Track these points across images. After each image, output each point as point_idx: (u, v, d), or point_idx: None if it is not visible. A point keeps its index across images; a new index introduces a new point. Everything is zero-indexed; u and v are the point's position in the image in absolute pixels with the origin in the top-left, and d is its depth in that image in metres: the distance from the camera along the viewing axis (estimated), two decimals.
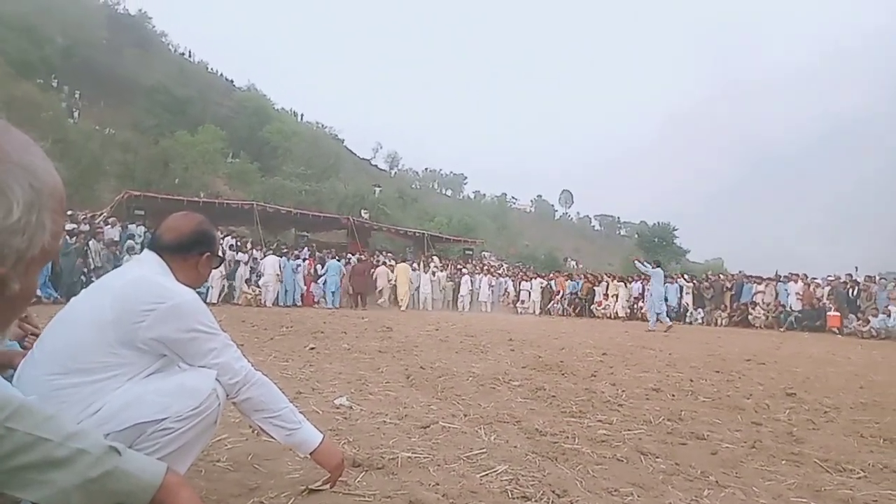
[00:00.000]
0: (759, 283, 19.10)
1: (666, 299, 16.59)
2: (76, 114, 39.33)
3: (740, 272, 21.40)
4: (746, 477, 2.52)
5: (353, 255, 20.74)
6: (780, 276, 19.31)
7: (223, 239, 16.51)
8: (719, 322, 18.86)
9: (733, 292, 19.62)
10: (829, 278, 17.97)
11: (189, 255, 1.90)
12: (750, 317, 18.35)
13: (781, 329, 17.05)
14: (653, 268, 14.97)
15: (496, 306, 22.38)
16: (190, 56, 69.21)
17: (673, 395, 4.54)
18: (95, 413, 1.57)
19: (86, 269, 13.49)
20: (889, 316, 15.09)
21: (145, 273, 1.78)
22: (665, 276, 16.38)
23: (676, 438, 3.16)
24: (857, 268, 18.01)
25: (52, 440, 1.01)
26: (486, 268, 25.32)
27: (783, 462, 2.79)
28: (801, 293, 17.85)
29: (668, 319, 14.69)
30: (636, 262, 16.04)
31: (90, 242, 14.16)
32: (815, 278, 18.40)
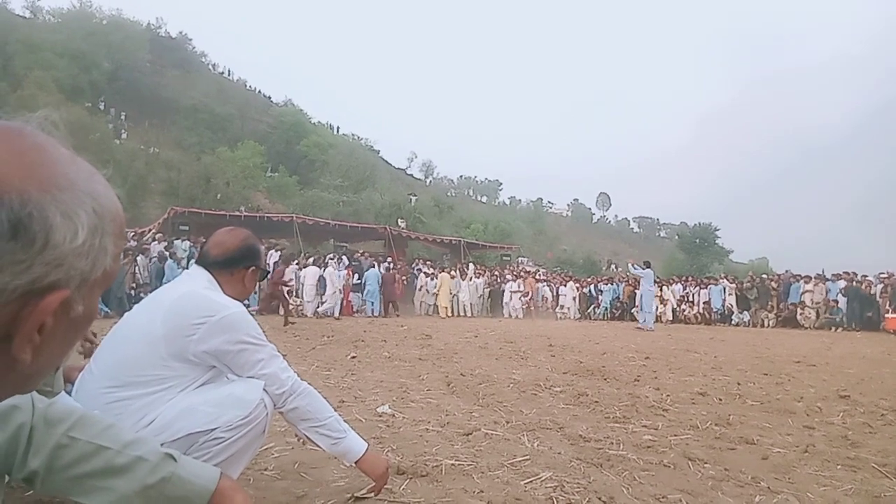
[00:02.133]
0: (808, 282, 18.50)
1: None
2: (123, 134, 40.71)
3: (787, 271, 20.74)
4: (800, 483, 2.44)
5: (382, 262, 20.73)
6: (828, 275, 18.65)
7: (269, 252, 16.79)
8: (766, 323, 18.34)
9: (780, 292, 19.05)
10: (882, 275, 17.27)
11: (235, 269, 1.96)
12: (799, 317, 17.79)
13: (837, 329, 16.50)
14: (643, 269, 15.39)
15: (535, 312, 22.22)
16: (229, 75, 71.23)
17: (720, 399, 4.43)
18: (150, 424, 1.63)
19: (134, 285, 13.94)
20: None
21: (194, 288, 1.85)
22: (655, 278, 16.81)
23: (725, 443, 3.08)
24: None
25: (112, 448, 1.06)
26: (521, 273, 25.16)
27: (838, 467, 2.70)
28: None
29: (651, 324, 15.03)
30: (629, 264, 16.30)
31: (138, 258, 14.62)
32: (865, 275, 17.72)
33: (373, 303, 17.81)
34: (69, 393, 1.75)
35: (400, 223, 31.52)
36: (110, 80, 45.35)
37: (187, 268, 2.38)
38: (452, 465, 2.50)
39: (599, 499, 2.14)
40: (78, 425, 1.05)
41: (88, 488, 1.03)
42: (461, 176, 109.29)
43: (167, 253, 15.55)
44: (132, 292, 13.43)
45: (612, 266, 53.00)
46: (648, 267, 15.64)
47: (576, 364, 6.30)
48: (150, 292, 2.12)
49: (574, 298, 22.64)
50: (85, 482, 1.03)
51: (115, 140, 35.72)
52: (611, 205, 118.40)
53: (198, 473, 1.12)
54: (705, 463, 2.68)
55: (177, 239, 17.49)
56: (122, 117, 46.04)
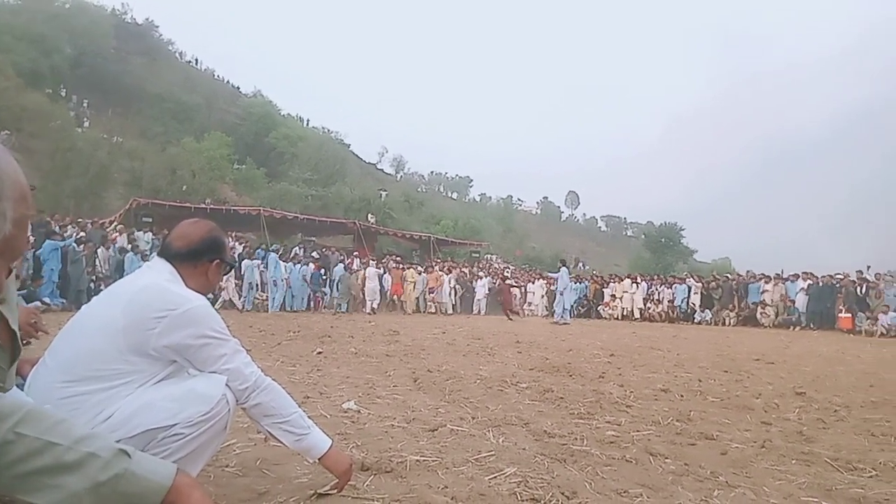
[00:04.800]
0: (767, 282, 19.00)
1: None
2: (86, 122, 39.54)
3: (748, 271, 21.29)
4: (756, 477, 2.51)
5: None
6: (787, 276, 19.19)
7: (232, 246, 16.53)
8: (727, 322, 18.79)
9: (740, 293, 19.53)
10: (839, 276, 17.83)
11: (199, 262, 1.92)
12: (759, 315, 18.27)
13: (795, 328, 17.00)
14: (559, 268, 16.89)
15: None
16: (196, 63, 69.69)
17: (682, 396, 4.52)
18: (107, 420, 1.58)
19: (94, 278, 13.58)
20: None
21: (156, 280, 1.80)
22: (569, 277, 17.79)
23: (686, 439, 3.15)
24: (868, 266, 17.86)
25: (62, 444, 1.02)
26: (489, 270, 25.29)
27: (793, 461, 2.78)
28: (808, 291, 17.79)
29: (567, 317, 16.47)
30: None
31: (98, 250, 14.25)
32: (823, 276, 18.27)
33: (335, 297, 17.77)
34: (21, 388, 1.69)
35: (370, 218, 31.40)
36: (72, 66, 43.85)
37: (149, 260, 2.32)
38: (417, 460, 2.49)
39: (563, 493, 2.16)
40: (26, 420, 1.01)
41: (36, 486, 0.99)
42: (432, 172, 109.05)
43: (129, 245, 15.21)
44: (91, 285, 13.09)
45: (580, 264, 53.62)
46: (564, 266, 17.03)
47: (542, 361, 6.35)
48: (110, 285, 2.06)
49: (542, 296, 22.85)
50: (32, 480, 0.99)
51: (77, 128, 34.58)
52: (579, 203, 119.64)
53: (153, 470, 1.09)
54: (666, 458, 2.73)
55: (139, 230, 17.11)
56: (85, 105, 44.59)
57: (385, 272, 19.47)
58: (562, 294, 16.51)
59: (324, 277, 18.28)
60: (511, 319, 17.70)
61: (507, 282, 21.30)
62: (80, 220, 16.98)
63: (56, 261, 12.12)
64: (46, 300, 11.20)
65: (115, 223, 18.50)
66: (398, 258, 24.08)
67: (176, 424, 1.63)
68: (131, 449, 1.09)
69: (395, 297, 19.57)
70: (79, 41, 44.80)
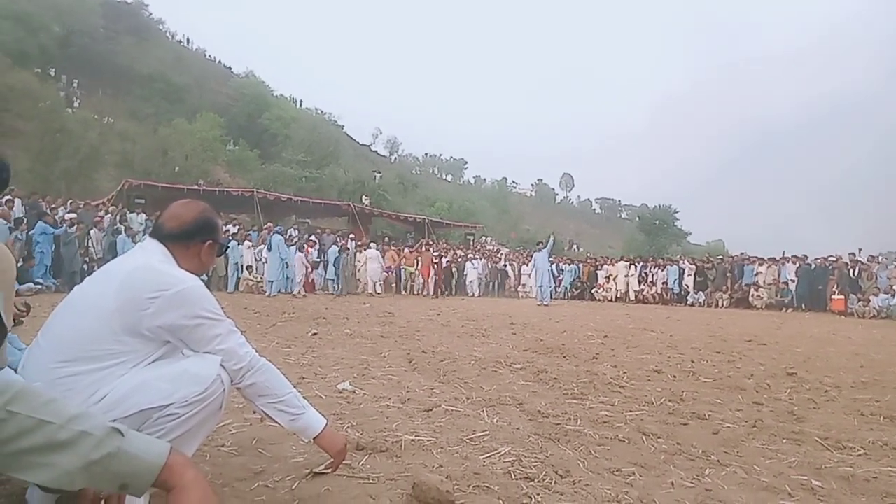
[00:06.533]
0: (761, 265, 19.11)
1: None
2: (76, 103, 39.01)
3: (741, 253, 21.40)
4: (748, 456, 2.53)
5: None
6: (781, 258, 19.29)
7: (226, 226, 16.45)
8: (720, 303, 18.90)
9: (734, 273, 19.64)
10: (831, 258, 17.94)
11: (191, 243, 1.90)
12: (751, 297, 18.39)
13: (787, 309, 17.12)
14: (540, 248, 17.13)
15: (498, 291, 22.47)
16: (188, 43, 68.77)
17: (674, 377, 4.55)
18: (101, 400, 1.58)
19: (87, 259, 13.52)
20: (892, 295, 15.10)
21: (149, 261, 1.78)
22: (547, 259, 17.72)
23: (678, 419, 3.17)
24: (860, 249, 17.92)
25: (54, 423, 1.01)
26: (484, 252, 25.32)
27: (784, 441, 2.81)
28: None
29: (548, 298, 16.48)
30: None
31: (91, 232, 14.16)
32: (816, 259, 18.37)
33: (333, 280, 17.73)
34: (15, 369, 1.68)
35: (364, 200, 31.27)
36: (61, 45, 43.05)
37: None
38: (412, 440, 2.51)
39: (556, 472, 2.18)
40: (17, 399, 1.00)
41: (27, 464, 0.99)
42: (426, 154, 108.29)
43: (121, 226, 15.11)
44: (85, 267, 13.03)
45: (574, 247, 53.74)
46: (544, 247, 17.16)
47: (536, 342, 6.38)
48: None
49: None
50: (24, 458, 0.98)
51: (67, 109, 34.10)
52: (574, 185, 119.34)
53: (146, 449, 1.08)
54: (658, 437, 2.76)
55: (132, 212, 16.99)
56: (75, 85, 43.95)
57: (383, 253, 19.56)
58: (542, 275, 16.79)
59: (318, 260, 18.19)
60: (436, 297, 18.57)
61: (443, 259, 21.40)
62: (71, 201, 16.85)
63: (47, 243, 12.07)
64: (40, 281, 11.17)
65: (108, 205, 18.36)
66: (392, 241, 24.05)
67: (171, 404, 1.62)
68: (124, 428, 1.09)
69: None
70: (66, 20, 44.01)
